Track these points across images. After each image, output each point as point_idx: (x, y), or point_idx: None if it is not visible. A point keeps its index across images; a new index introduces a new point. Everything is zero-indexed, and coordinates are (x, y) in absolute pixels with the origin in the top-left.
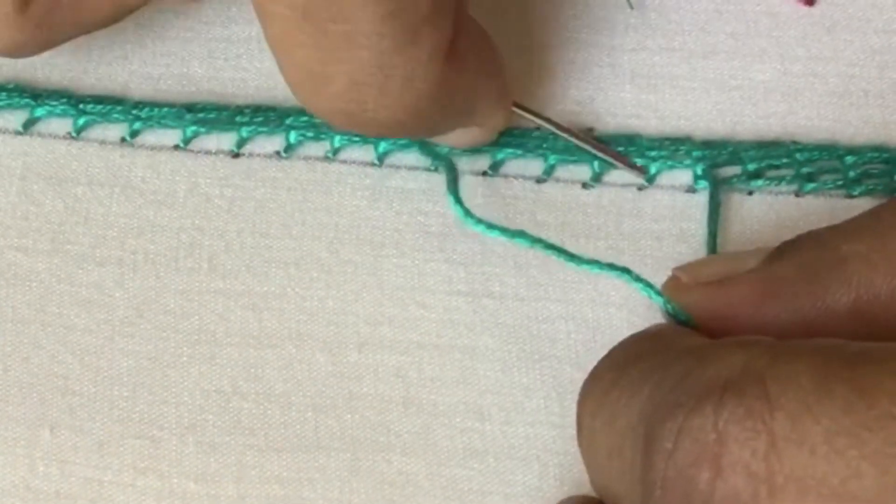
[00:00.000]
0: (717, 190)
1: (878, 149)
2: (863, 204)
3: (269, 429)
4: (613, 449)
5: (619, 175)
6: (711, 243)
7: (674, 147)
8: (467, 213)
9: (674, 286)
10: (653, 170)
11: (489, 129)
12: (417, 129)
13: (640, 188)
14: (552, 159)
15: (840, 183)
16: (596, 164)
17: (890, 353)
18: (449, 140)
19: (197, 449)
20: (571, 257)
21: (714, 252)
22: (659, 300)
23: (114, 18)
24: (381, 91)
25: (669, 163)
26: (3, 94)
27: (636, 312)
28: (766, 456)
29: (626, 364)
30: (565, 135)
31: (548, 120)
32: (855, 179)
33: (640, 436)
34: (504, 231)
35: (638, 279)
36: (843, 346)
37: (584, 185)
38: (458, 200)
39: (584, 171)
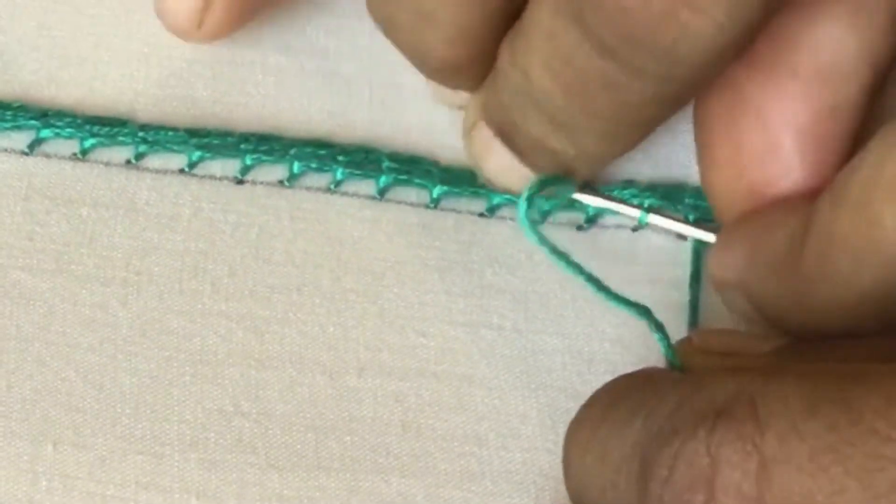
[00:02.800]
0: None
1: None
2: None
3: (269, 448)
4: (606, 484)
5: (613, 217)
6: (694, 289)
7: (669, 192)
8: (532, 225)
9: (683, 345)
10: (644, 218)
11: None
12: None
13: (634, 229)
14: (547, 206)
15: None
16: (591, 209)
17: (882, 373)
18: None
19: (199, 466)
20: (600, 288)
21: (696, 299)
22: (663, 344)
23: None
24: None
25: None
26: (9, 113)
27: (630, 349)
28: (756, 477)
29: (615, 400)
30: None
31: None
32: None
33: (635, 466)
34: (552, 250)
35: (655, 321)
36: (835, 367)
37: (579, 228)
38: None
39: (577, 217)
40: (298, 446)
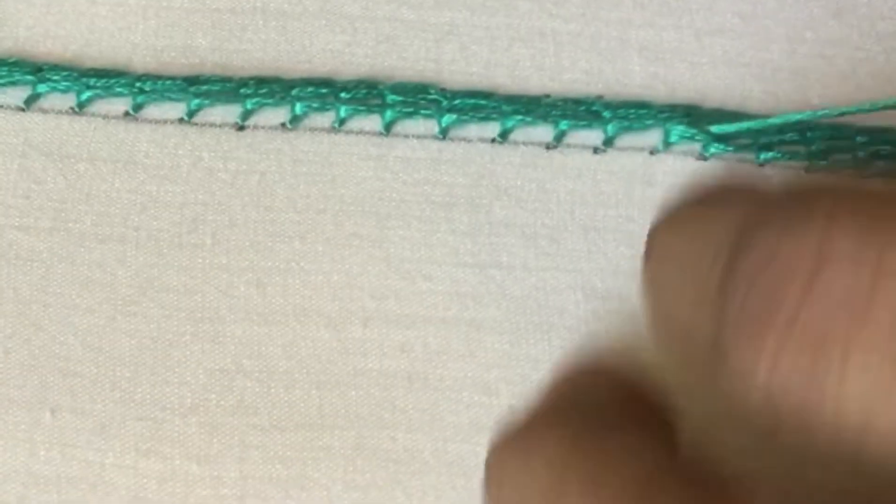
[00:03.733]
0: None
1: (888, 130)
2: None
3: (272, 408)
4: (688, 262)
5: (632, 139)
6: None
7: (685, 114)
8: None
9: None
10: (666, 136)
11: None
12: None
13: (652, 153)
14: (563, 125)
15: (851, 163)
16: (610, 127)
17: None
18: None
19: (199, 430)
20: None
21: None
22: None
23: None
24: None
25: (681, 129)
26: (4, 68)
27: None
28: (868, 286)
29: (714, 189)
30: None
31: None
32: (865, 160)
33: (731, 240)
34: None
35: None
36: None
37: (596, 150)
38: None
39: (596, 137)
40: (301, 405)
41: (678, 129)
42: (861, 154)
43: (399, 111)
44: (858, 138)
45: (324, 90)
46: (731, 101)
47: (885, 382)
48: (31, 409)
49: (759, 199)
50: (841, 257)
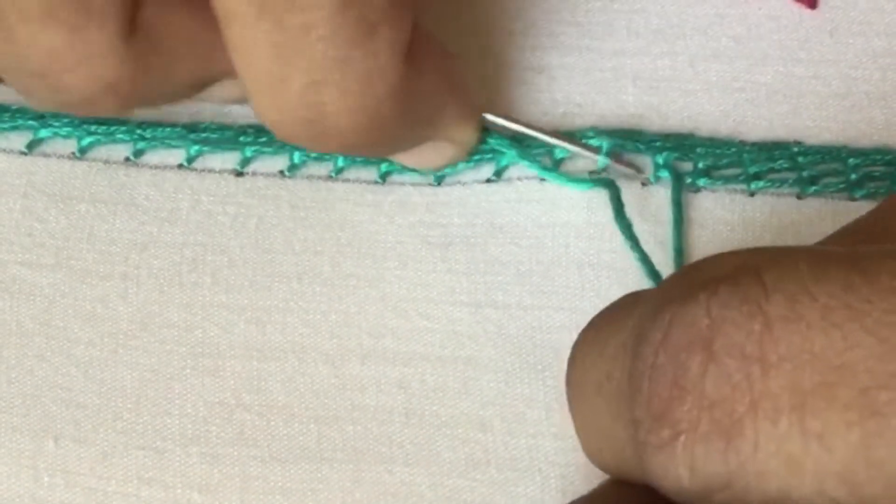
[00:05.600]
0: (680, 185)
1: (881, 151)
2: (865, 206)
3: (272, 440)
4: (602, 379)
5: (625, 170)
6: (677, 241)
7: (676, 143)
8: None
9: None
10: (656, 169)
11: (460, 146)
12: (380, 139)
13: (644, 184)
14: (559, 153)
15: (842, 186)
16: (601, 160)
17: (885, 248)
18: (421, 161)
19: (200, 460)
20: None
21: (680, 252)
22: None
23: (191, 91)
24: (340, 90)
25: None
26: (7, 115)
27: None
28: (760, 337)
29: (617, 303)
30: (544, 136)
31: (525, 124)
32: (857, 182)
33: (630, 343)
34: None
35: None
36: (838, 248)
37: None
38: (625, 222)
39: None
40: (301, 438)
41: (667, 160)
42: (854, 177)
43: (394, 165)
44: (851, 160)
45: None
46: (725, 128)
47: (796, 450)
48: (35, 437)
49: (651, 296)
50: (728, 328)
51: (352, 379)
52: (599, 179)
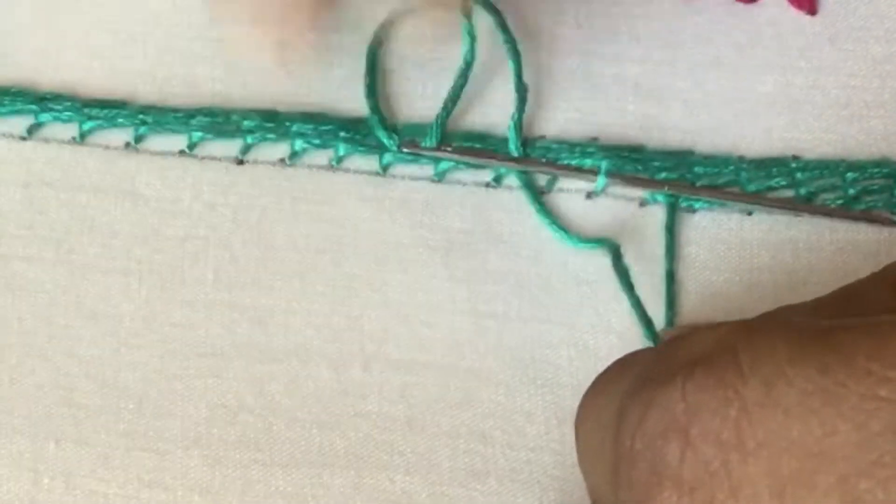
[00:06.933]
0: (674, 211)
1: (879, 164)
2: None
3: (274, 444)
4: (597, 445)
5: (624, 189)
6: (669, 264)
7: (675, 162)
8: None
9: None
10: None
11: None
12: None
13: (642, 204)
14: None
15: (840, 201)
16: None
17: (870, 322)
18: None
19: (202, 462)
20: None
21: (671, 271)
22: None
23: None
24: None
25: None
26: (7, 98)
27: (636, 343)
28: (736, 423)
29: (613, 370)
30: (548, 169)
31: (532, 162)
32: (855, 197)
33: (613, 425)
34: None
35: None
36: (817, 321)
37: (588, 196)
38: (550, 219)
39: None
40: (303, 443)
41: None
42: (851, 191)
43: (395, 155)
44: (849, 175)
45: (325, 127)
46: (724, 141)
47: None
48: (36, 438)
49: (637, 370)
50: (703, 414)
51: (354, 385)
52: (603, 240)
